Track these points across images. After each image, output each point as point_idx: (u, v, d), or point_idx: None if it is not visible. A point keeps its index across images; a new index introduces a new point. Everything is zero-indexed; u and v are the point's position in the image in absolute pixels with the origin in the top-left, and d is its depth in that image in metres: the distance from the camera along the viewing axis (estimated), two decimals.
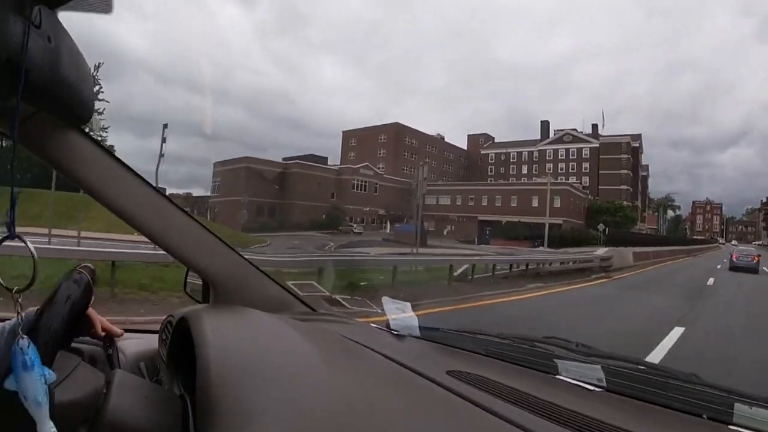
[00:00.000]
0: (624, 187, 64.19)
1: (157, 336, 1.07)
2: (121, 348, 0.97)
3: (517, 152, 71.01)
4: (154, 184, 0.90)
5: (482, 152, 67.26)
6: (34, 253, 0.58)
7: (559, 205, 47.58)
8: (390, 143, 58.65)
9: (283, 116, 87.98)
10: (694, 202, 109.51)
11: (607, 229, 24.30)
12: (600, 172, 65.83)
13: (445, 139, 60.30)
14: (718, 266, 17.22)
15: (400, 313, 1.03)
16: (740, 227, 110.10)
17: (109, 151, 0.80)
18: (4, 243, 0.54)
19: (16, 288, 0.57)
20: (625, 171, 66.25)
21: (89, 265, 0.75)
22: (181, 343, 0.78)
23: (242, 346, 0.67)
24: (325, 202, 32.33)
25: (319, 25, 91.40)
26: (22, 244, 0.54)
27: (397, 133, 52.70)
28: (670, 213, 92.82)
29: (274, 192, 28.39)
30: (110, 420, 0.55)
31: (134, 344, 1.07)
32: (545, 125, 74.20)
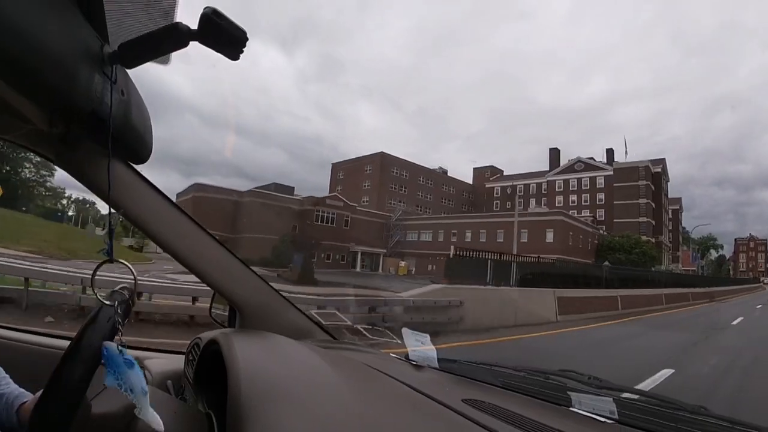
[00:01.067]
0: (643, 219, 57.94)
1: (181, 357, 1.14)
2: (147, 366, 1.09)
3: (524, 185, 65.89)
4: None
5: (487, 186, 65.03)
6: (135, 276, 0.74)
7: (552, 240, 42.24)
8: (375, 175, 55.36)
9: (322, 160, 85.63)
10: (736, 240, 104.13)
11: (610, 266, 20.60)
12: (614, 202, 59.51)
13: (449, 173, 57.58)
14: (736, 321, 11.79)
15: (420, 345, 1.09)
16: None
17: (154, 186, 0.92)
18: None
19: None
20: (645, 200, 59.04)
21: (127, 286, 0.79)
22: (208, 364, 0.88)
23: (271, 369, 0.72)
24: (282, 236, 30.25)
25: (357, 72, 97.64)
26: None
27: (382, 163, 51.29)
28: (713, 253, 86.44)
29: (223, 223, 27.09)
30: None
31: (160, 363, 1.16)
32: (555, 153, 68.38)
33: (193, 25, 0.55)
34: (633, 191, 55.38)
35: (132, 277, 0.71)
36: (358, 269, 31.96)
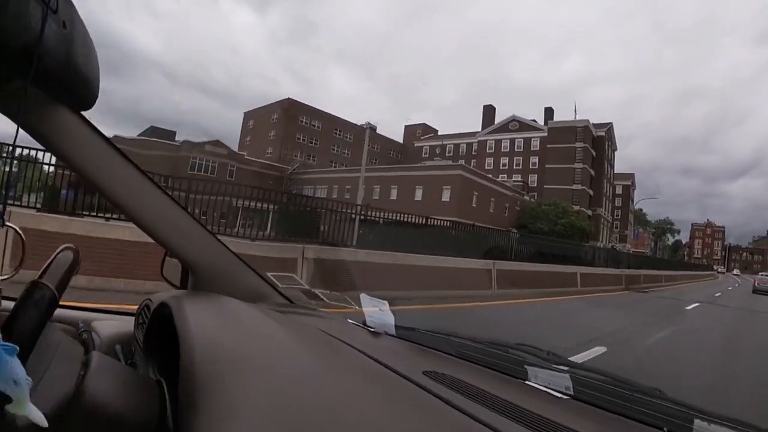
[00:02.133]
0: (578, 187, 50.44)
1: (131, 318, 1.14)
2: (95, 329, 1.07)
3: (455, 144, 59.78)
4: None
5: (416, 145, 59.79)
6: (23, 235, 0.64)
7: (448, 199, 35.29)
8: (280, 124, 49.42)
9: None
10: (693, 225, 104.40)
11: (519, 235, 17.28)
12: (546, 166, 52.43)
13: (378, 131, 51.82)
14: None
15: (377, 311, 1.11)
16: (745, 255, 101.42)
17: (104, 136, 0.85)
18: None
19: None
20: (581, 165, 51.57)
21: (71, 245, 0.78)
22: (158, 328, 0.88)
23: (225, 336, 0.72)
24: None
25: (331, 35, 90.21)
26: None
27: (288, 111, 45.67)
28: (669, 238, 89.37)
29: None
30: (89, 402, 0.58)
31: (109, 326, 1.14)
32: (489, 111, 62.87)
33: None
34: (568, 154, 43.70)
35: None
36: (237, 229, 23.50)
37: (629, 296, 14.54)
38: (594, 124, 49.20)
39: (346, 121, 49.53)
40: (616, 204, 67.03)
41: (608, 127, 51.51)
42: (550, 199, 40.67)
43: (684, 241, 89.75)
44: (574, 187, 45.21)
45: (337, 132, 49.16)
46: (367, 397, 0.63)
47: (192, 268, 1.08)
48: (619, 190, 69.95)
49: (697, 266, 49.48)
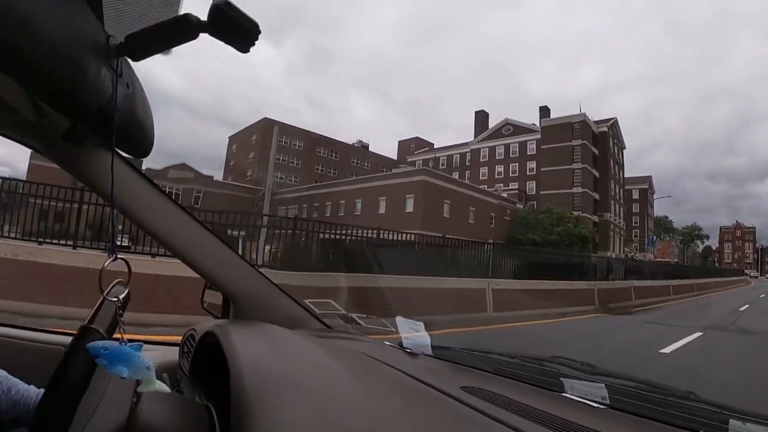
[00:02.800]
0: (578, 190, 45.18)
1: (174, 348, 1.23)
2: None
3: (447, 156, 56.58)
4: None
5: (408, 160, 56.38)
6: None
7: (412, 209, 32.22)
8: (258, 145, 46.89)
9: None
10: (721, 228, 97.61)
11: (500, 247, 15.43)
12: (541, 170, 48.54)
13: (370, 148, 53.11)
14: None
15: (414, 333, 1.15)
16: None
17: (145, 175, 0.95)
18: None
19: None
20: (580, 165, 46.76)
21: (122, 280, 0.86)
22: (203, 356, 0.95)
23: (271, 360, 0.78)
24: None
25: (347, 62, 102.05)
26: None
27: (265, 132, 42.25)
28: (699, 244, 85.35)
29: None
30: (142, 428, 0.64)
31: (153, 356, 1.15)
32: (481, 117, 58.72)
33: (202, 14, 0.55)
34: (564, 154, 37.85)
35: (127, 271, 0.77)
36: None
37: (589, 324, 10.30)
38: (596, 121, 42.88)
39: (332, 139, 48.81)
40: (633, 210, 64.31)
41: (611, 122, 48.64)
42: (545, 206, 35.00)
43: (714, 247, 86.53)
44: (574, 190, 39.51)
45: (321, 151, 48.07)
46: (408, 413, 0.67)
47: (233, 298, 1.14)
48: (636, 195, 66.31)
49: (726, 271, 46.21)
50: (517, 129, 46.20)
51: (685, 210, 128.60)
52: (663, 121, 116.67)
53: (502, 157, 47.50)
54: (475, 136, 50.18)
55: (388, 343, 1.19)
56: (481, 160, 48.59)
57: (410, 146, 55.98)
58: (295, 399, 0.63)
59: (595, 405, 0.74)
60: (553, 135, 42.49)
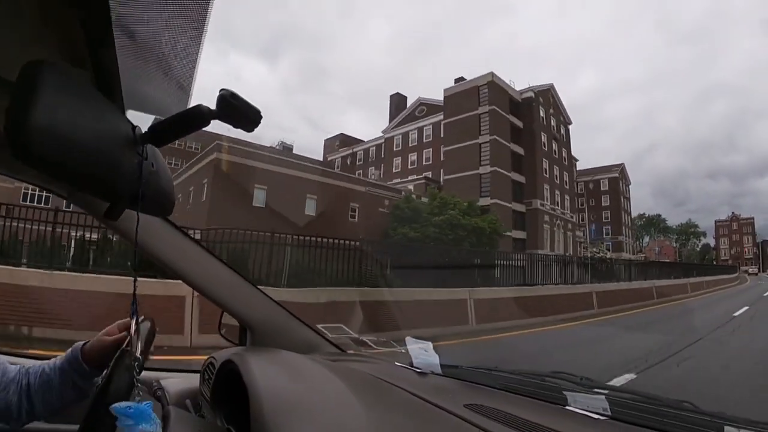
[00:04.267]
0: (486, 169, 35.00)
1: (195, 375, 1.33)
2: (165, 387, 1.24)
3: (364, 150, 48.14)
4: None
5: (329, 158, 49.19)
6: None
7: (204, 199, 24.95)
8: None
9: None
10: (716, 222, 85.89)
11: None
12: (443, 149, 39.41)
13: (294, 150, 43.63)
14: None
15: (423, 352, 1.23)
16: None
17: (167, 219, 1.13)
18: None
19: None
20: (488, 138, 36.26)
21: (149, 317, 1.02)
22: (223, 383, 1.05)
23: (287, 386, 0.89)
24: None
25: (343, 78, 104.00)
26: None
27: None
28: (695, 242, 79.04)
29: None
30: None
31: (176, 383, 1.32)
32: (397, 101, 47.75)
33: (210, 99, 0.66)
34: (469, 126, 22.98)
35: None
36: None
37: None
38: (526, 89, 31.67)
39: (249, 142, 38.31)
40: (603, 203, 56.81)
41: (543, 89, 41.68)
42: (430, 191, 24.23)
43: (712, 245, 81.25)
44: (482, 170, 27.82)
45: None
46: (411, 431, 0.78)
47: (249, 326, 1.26)
48: (604, 185, 58.38)
49: (713, 269, 39.10)
50: (432, 108, 42.00)
51: (687, 210, 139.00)
52: (662, 122, 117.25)
53: (416, 143, 42.86)
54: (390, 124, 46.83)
55: (398, 364, 1.30)
56: (395, 149, 43.67)
57: (335, 144, 51.47)
58: (310, 422, 0.73)
59: (596, 417, 0.80)
60: (456, 105, 32.42)
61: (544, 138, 39.67)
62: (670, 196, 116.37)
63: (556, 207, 40.31)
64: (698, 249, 77.75)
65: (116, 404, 0.72)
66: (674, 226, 76.22)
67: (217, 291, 1.21)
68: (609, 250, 47.27)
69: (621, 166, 60.62)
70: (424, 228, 25.80)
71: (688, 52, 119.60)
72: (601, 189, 59.72)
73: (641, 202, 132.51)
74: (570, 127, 45.68)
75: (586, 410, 0.82)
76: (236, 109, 0.64)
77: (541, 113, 39.75)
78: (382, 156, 45.03)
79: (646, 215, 78.27)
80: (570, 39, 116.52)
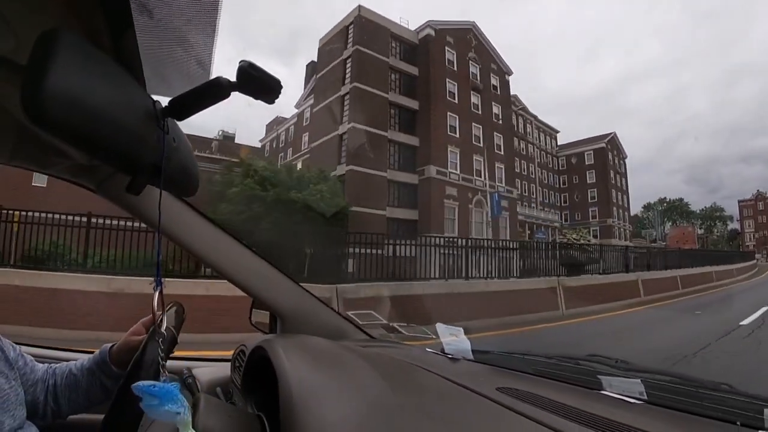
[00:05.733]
0: (345, 127, 26.51)
1: (225, 364, 1.38)
2: (196, 375, 1.29)
3: (285, 130, 39.02)
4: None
5: (261, 143, 45.00)
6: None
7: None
8: None
9: None
10: (739, 203, 73.14)
11: None
12: (311, 110, 32.96)
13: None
14: None
15: (454, 338, 1.22)
16: None
17: (192, 206, 1.15)
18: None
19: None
20: (348, 88, 28.25)
21: (178, 302, 1.16)
22: (253, 370, 1.09)
23: (316, 372, 0.90)
24: None
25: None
26: None
27: None
28: (720, 227, 70.70)
29: None
30: None
31: (207, 372, 1.38)
32: (311, 71, 36.67)
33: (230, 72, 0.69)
34: (335, 78, 29.15)
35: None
36: None
37: None
38: (424, 26, 31.34)
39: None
40: (588, 179, 47.24)
41: (464, 27, 31.90)
42: (240, 156, 26.07)
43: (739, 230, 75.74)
44: (341, 130, 18.50)
45: None
46: (446, 415, 0.76)
47: (279, 314, 1.29)
48: (589, 159, 48.60)
49: (722, 257, 28.35)
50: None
51: (722, 197, 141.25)
52: (689, 107, 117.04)
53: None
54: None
55: (429, 350, 1.31)
56: (304, 125, 35.75)
57: (273, 127, 45.20)
58: (338, 406, 0.73)
59: (632, 401, 0.79)
60: (326, 55, 23.96)
61: (453, 88, 32.10)
62: (703, 183, 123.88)
63: (477, 178, 31.73)
64: (725, 235, 72.91)
65: (139, 383, 0.69)
66: (698, 211, 73.59)
67: (248, 280, 1.24)
68: (597, 236, 41.43)
69: (610, 135, 49.89)
70: (234, 205, 19.62)
71: (713, 32, 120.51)
72: (586, 163, 48.25)
73: (672, 189, 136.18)
74: (510, 77, 36.82)
75: (622, 394, 0.81)
76: (256, 79, 0.65)
77: (451, 57, 32.34)
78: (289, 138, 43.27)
79: (668, 200, 75.95)
80: (589, 23, 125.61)
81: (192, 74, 0.78)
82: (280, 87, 0.68)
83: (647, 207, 75.24)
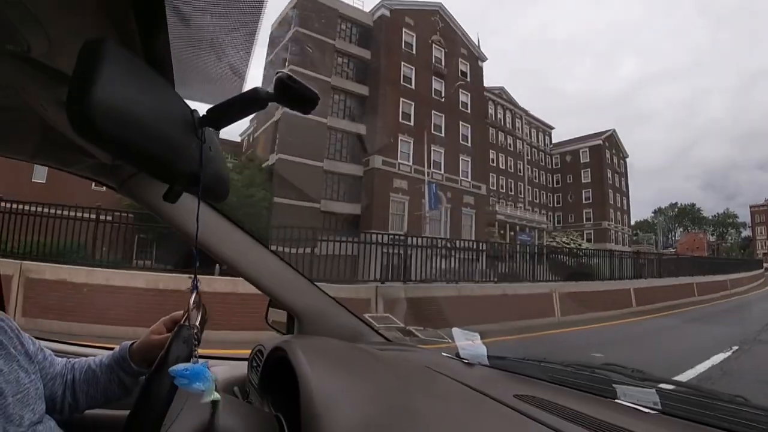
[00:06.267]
0: (273, 118, 25.21)
1: (243, 363, 1.42)
2: (214, 374, 1.29)
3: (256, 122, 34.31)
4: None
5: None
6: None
7: None
8: None
9: None
10: (750, 208, 67.99)
11: None
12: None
13: None
14: None
15: (470, 343, 1.25)
16: None
17: (215, 207, 1.21)
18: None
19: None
20: (286, 70, 7.44)
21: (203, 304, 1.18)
22: (271, 370, 1.13)
23: (335, 373, 0.93)
24: None
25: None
26: None
27: None
28: (734, 234, 65.79)
29: None
30: None
31: (224, 371, 1.40)
32: None
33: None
34: (278, 59, 28.44)
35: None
36: None
37: None
38: (378, 6, 29.16)
39: None
40: (583, 178, 43.49)
41: (430, 9, 29.49)
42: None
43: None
44: (277, 117, 17.23)
45: None
46: (462, 421, 0.76)
47: (297, 315, 1.29)
48: (584, 157, 44.58)
49: (723, 265, 24.44)
50: None
51: (737, 204, 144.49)
52: (707, 111, 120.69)
53: None
54: None
55: (445, 354, 1.34)
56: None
57: (252, 120, 42.88)
58: (356, 407, 0.74)
59: (647, 410, 0.81)
60: (274, 44, 22.84)
61: (410, 73, 29.50)
62: (720, 189, 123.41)
63: (436, 171, 28.55)
64: (738, 242, 68.51)
65: (174, 366, 0.78)
66: (710, 217, 70.89)
67: (266, 280, 1.26)
68: (590, 240, 38.75)
69: (608, 131, 46.64)
70: None
71: (731, 35, 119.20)
72: (581, 162, 44.58)
73: (687, 193, 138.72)
74: (483, 63, 33.44)
75: (637, 404, 0.82)
76: (294, 91, 0.66)
77: (409, 39, 29.84)
78: None
79: (679, 204, 72.89)
80: (607, 26, 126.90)
81: (227, 85, 0.78)
82: (318, 99, 0.69)
83: (657, 212, 73.86)
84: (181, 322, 0.98)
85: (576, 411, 0.76)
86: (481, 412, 0.79)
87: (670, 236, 73.45)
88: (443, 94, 30.78)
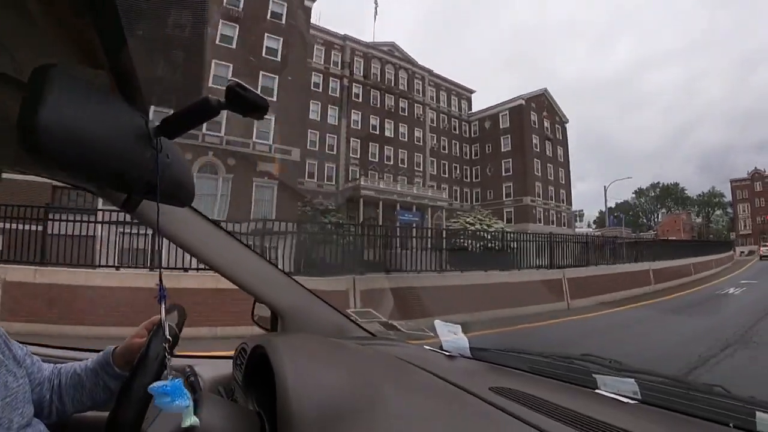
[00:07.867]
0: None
1: (228, 361, 1.45)
2: (199, 373, 1.31)
3: None
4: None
5: None
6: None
7: None
8: None
9: None
10: (731, 183, 59.63)
11: None
12: None
13: None
14: None
15: (452, 336, 1.27)
16: None
17: (194, 209, 1.23)
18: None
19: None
20: None
21: (178, 304, 1.22)
22: (255, 367, 1.14)
23: (313, 370, 0.93)
24: None
25: None
26: None
27: None
28: (720, 214, 61.38)
29: None
30: None
31: (209, 369, 1.43)
32: None
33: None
34: None
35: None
36: None
37: None
38: None
39: None
40: (502, 147, 38.79)
41: None
42: None
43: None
44: None
45: None
46: (436, 415, 0.78)
47: (280, 312, 1.33)
48: (504, 122, 39.31)
49: (678, 248, 19.05)
50: None
51: (722, 180, 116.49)
52: (705, 94, 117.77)
53: None
54: None
55: (427, 347, 1.37)
56: None
57: None
58: (335, 403, 0.76)
59: (626, 400, 0.82)
60: None
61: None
62: (717, 171, 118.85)
63: (208, 132, 19.79)
64: (726, 224, 61.02)
65: (153, 384, 0.77)
66: (694, 197, 65.76)
67: (248, 279, 1.29)
68: (511, 221, 34.63)
69: (539, 92, 38.28)
70: None
71: (729, 18, 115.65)
72: (500, 128, 36.64)
73: (685, 178, 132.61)
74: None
75: (616, 394, 0.84)
76: (244, 99, 0.67)
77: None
78: None
79: (661, 184, 67.84)
80: (603, 7, 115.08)
81: (186, 93, 1.31)
82: (267, 106, 0.71)
83: (638, 192, 67.84)
84: (154, 329, 1.02)
85: (552, 403, 0.76)
86: (454, 406, 0.79)
87: (651, 218, 69.38)
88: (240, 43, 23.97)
